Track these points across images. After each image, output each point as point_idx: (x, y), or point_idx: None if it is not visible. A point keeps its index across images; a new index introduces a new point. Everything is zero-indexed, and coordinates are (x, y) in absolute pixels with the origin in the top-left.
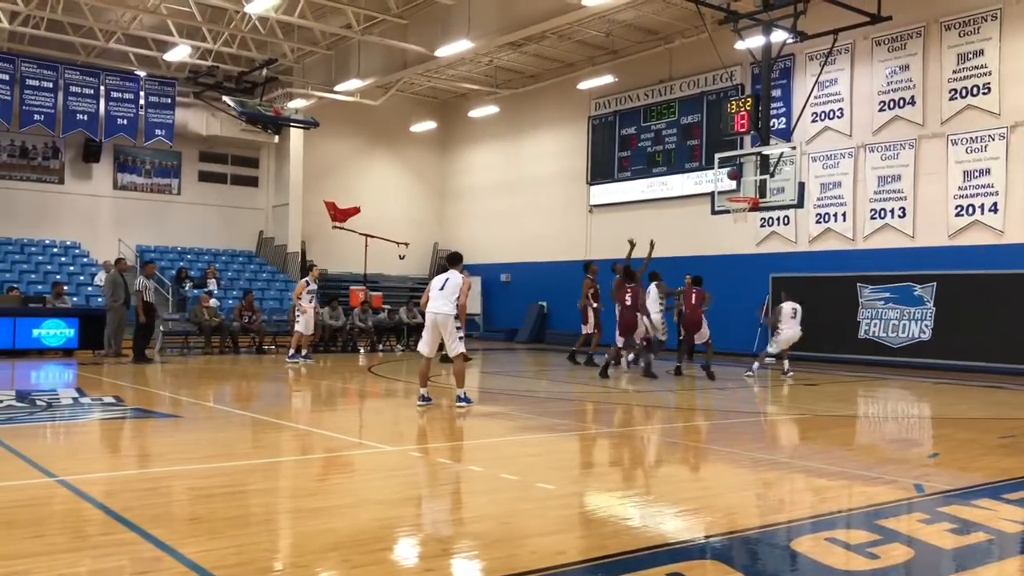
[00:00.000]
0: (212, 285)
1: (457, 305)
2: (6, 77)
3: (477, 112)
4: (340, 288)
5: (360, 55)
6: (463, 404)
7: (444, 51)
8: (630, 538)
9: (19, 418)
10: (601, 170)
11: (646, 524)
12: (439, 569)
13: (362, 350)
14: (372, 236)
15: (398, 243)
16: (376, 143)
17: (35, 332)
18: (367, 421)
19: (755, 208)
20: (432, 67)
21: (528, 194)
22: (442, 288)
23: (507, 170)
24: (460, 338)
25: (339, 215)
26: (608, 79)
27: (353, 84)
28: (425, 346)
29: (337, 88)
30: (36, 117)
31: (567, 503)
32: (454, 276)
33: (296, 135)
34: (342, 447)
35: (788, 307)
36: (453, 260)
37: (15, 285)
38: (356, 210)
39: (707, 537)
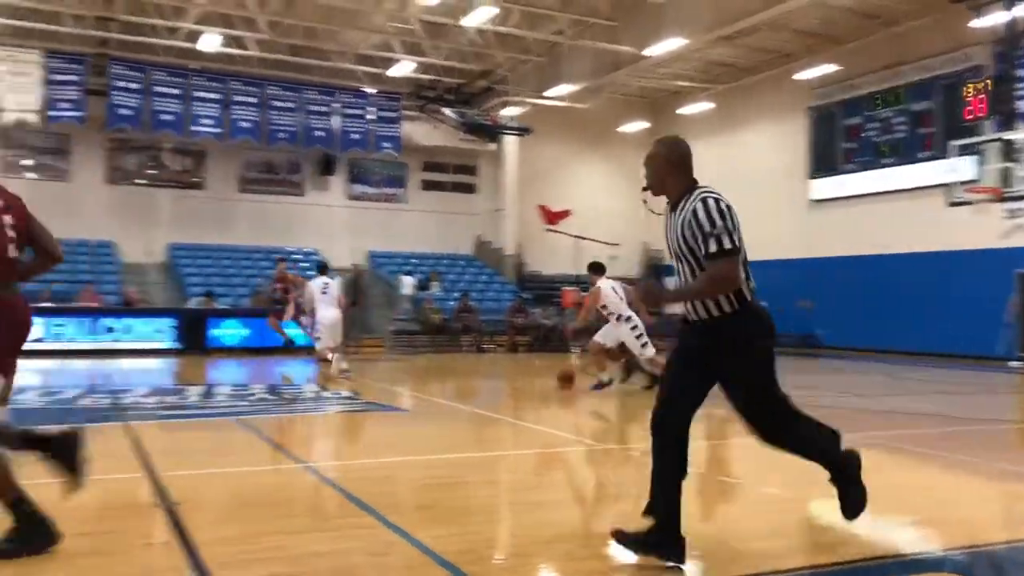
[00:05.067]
0: (435, 288)
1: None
2: (255, 100)
3: (687, 109)
4: (552, 289)
5: (570, 60)
6: None
7: (654, 50)
8: (857, 547)
9: (270, 410)
10: (823, 163)
11: (871, 533)
12: (661, 566)
13: (575, 350)
14: (583, 238)
15: (608, 244)
16: (586, 145)
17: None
18: (583, 419)
19: (998, 199)
20: (642, 66)
21: (743, 191)
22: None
23: (719, 166)
24: None
25: (551, 218)
26: (827, 68)
27: (563, 89)
28: None
29: (548, 93)
30: (280, 136)
31: (787, 508)
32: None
33: (511, 142)
34: (560, 443)
35: (319, 283)
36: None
37: (261, 288)
38: (567, 212)
39: (944, 550)
